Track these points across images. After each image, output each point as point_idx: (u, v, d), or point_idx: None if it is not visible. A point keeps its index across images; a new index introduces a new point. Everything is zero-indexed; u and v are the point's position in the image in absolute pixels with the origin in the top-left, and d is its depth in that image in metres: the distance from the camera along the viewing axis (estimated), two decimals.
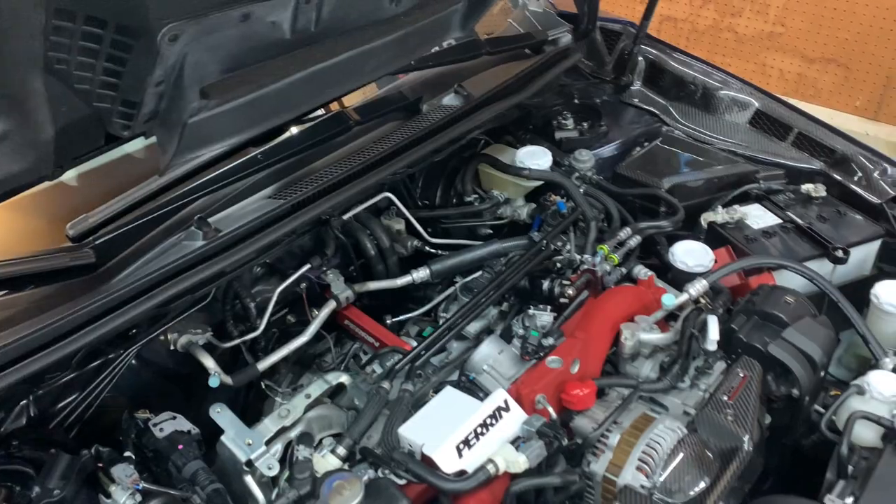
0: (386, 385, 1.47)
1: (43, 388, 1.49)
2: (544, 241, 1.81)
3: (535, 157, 2.04)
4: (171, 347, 1.66)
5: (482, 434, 1.34)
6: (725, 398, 1.47)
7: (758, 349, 1.60)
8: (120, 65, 1.05)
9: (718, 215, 1.98)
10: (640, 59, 2.40)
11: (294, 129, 1.73)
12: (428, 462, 1.31)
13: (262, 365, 1.67)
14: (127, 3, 0.95)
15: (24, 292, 1.35)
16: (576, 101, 2.40)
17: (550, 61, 2.13)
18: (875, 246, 1.96)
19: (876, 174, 2.06)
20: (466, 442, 1.33)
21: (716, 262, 1.85)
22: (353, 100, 1.96)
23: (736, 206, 2.00)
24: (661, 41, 2.42)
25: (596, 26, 2.36)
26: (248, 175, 1.62)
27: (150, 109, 1.15)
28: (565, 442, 1.34)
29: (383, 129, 1.84)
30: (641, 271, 1.85)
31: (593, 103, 2.39)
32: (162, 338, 1.65)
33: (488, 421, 1.36)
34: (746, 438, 1.41)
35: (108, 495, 1.30)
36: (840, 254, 1.86)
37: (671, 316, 1.72)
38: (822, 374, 1.67)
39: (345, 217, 1.90)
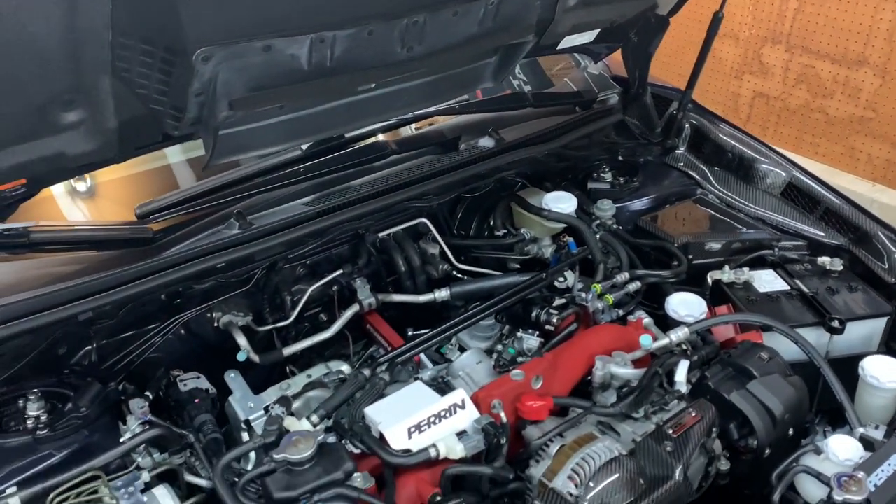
0: (366, 372, 1.69)
1: (104, 339, 1.82)
2: (544, 274, 1.98)
3: (560, 201, 2.22)
4: (215, 324, 1.95)
5: (434, 423, 1.53)
6: (670, 432, 1.57)
7: (721, 397, 1.69)
8: (168, 76, 1.36)
9: (725, 274, 2.07)
10: (686, 125, 2.54)
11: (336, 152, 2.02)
12: (382, 439, 1.51)
13: (288, 350, 1.93)
14: (171, 30, 1.26)
15: (91, 253, 1.69)
16: (620, 158, 2.55)
17: (588, 118, 2.32)
18: (881, 323, 1.98)
19: None
20: (418, 427, 1.52)
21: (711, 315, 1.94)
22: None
23: (745, 269, 2.08)
24: (708, 111, 2.54)
25: (646, 91, 2.52)
26: (291, 185, 1.92)
27: (194, 115, 1.46)
28: (504, 441, 1.50)
29: (418, 161, 2.09)
30: (637, 315, 1.97)
31: (635, 161, 2.54)
32: (208, 315, 1.95)
33: (443, 413, 1.55)
34: (679, 470, 1.50)
35: (125, 422, 1.59)
36: (836, 324, 1.91)
37: None
38: (790, 432, 1.73)
39: (380, 235, 2.16)
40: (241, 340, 1.88)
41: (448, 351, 1.97)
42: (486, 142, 2.17)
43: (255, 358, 1.86)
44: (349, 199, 1.90)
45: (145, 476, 1.48)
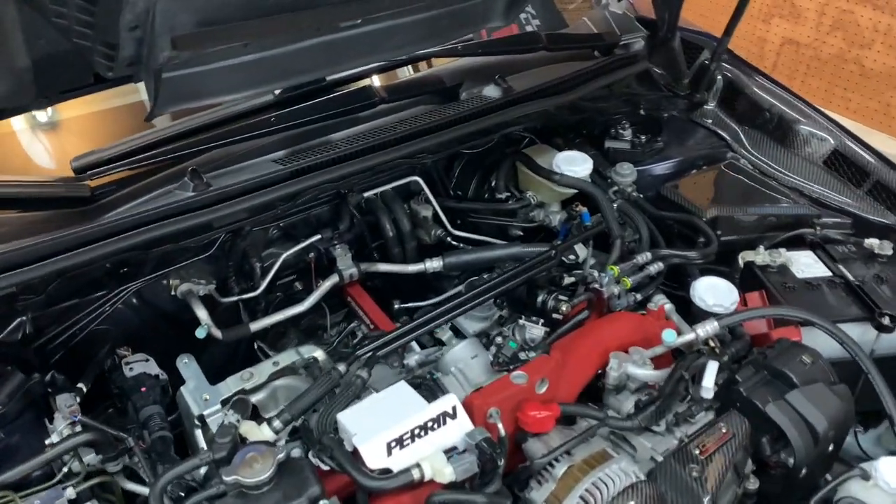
0: (341, 367, 1.43)
1: (40, 310, 1.56)
2: (552, 252, 1.71)
3: (573, 163, 1.93)
4: (172, 293, 1.69)
5: (419, 436, 1.29)
6: (697, 452, 1.34)
7: (756, 407, 1.45)
8: (91, 3, 1.06)
9: (759, 256, 1.81)
10: (718, 77, 2.23)
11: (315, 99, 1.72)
12: (356, 454, 1.27)
13: (256, 325, 1.68)
14: None
15: (16, 214, 1.41)
16: (641, 112, 2.26)
17: (610, 66, 2.01)
18: None
19: None
20: (400, 441, 1.27)
21: (743, 304, 1.69)
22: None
23: (781, 250, 1.82)
24: (744, 62, 2.24)
25: (676, 36, 2.21)
26: (259, 137, 1.62)
27: (131, 54, 1.16)
28: (502, 462, 1.26)
29: (412, 111, 1.79)
30: (658, 301, 1.71)
31: (659, 117, 2.24)
32: (165, 282, 1.69)
33: (430, 424, 1.30)
34: (707, 500, 1.28)
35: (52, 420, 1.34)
36: (886, 321, 1.66)
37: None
38: (831, 448, 1.50)
39: (366, 195, 1.88)
40: (202, 313, 1.63)
41: (439, 331, 1.72)
42: (492, 91, 1.86)
43: (218, 334, 1.61)
44: (328, 158, 1.61)
45: (70, 493, 1.23)
